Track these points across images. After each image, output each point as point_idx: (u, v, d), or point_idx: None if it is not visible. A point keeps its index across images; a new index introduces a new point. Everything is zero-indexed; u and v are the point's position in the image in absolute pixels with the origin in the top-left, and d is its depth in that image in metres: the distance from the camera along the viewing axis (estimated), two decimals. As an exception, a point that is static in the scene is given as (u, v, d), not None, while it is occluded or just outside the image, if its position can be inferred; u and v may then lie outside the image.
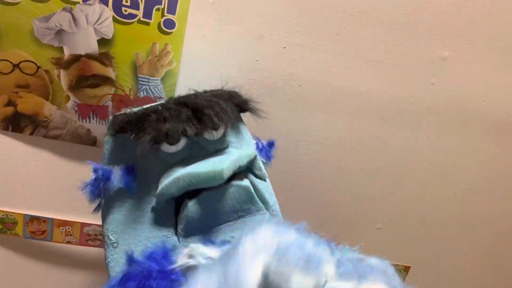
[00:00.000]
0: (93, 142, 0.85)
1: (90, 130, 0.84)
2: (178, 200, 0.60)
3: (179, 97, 0.62)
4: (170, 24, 0.78)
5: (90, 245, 0.91)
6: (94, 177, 0.61)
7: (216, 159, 0.60)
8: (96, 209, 0.65)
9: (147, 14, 0.77)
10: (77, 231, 0.90)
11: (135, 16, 0.76)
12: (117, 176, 0.60)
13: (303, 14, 0.83)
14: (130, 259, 0.56)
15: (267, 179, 0.69)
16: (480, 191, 1.08)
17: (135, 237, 0.59)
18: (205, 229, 0.58)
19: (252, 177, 0.65)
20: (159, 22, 0.78)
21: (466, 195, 1.09)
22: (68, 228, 0.89)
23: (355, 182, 1.00)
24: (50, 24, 0.75)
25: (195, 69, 0.83)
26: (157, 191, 0.59)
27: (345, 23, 0.85)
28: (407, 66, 0.91)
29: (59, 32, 0.76)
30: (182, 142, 0.60)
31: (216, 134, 0.62)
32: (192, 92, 0.66)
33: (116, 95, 0.82)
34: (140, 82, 0.81)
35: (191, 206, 0.58)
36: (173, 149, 0.60)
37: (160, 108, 0.59)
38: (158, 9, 0.77)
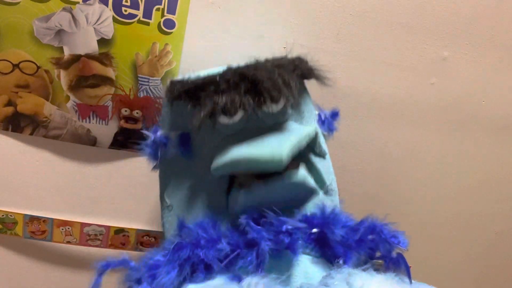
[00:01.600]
0: (93, 142, 0.85)
1: (90, 130, 0.84)
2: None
3: (238, 68, 0.57)
4: (170, 24, 0.78)
5: (90, 245, 0.91)
6: (152, 138, 0.62)
7: (275, 140, 0.55)
8: (154, 168, 0.67)
9: (147, 14, 0.77)
10: (77, 231, 0.90)
11: (135, 16, 0.76)
12: (173, 143, 0.60)
13: (303, 14, 0.83)
14: (181, 225, 0.57)
15: (327, 156, 0.65)
16: (480, 191, 1.08)
17: (187, 204, 0.60)
18: (253, 215, 0.56)
19: (311, 156, 0.61)
20: (159, 22, 0.78)
21: (465, 195, 1.09)
22: (68, 228, 0.89)
23: (355, 182, 1.00)
24: (50, 24, 0.75)
25: (195, 69, 0.83)
26: (212, 167, 0.57)
27: (345, 23, 0.85)
28: (407, 66, 0.91)
29: (59, 32, 0.76)
30: (240, 114, 0.56)
31: (276, 108, 0.57)
32: (252, 61, 0.60)
33: (116, 95, 0.82)
34: (140, 82, 0.81)
35: (241, 197, 0.56)
36: (230, 121, 0.57)
37: (218, 79, 0.56)
38: (158, 9, 0.77)
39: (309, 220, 0.55)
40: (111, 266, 0.58)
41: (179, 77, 0.60)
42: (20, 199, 0.87)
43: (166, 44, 0.79)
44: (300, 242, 0.53)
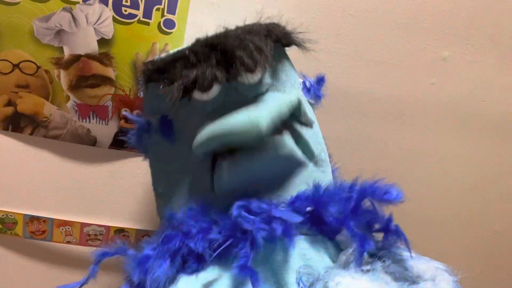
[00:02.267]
0: (93, 142, 0.85)
1: (90, 130, 0.84)
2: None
3: (207, 38, 0.54)
4: (170, 24, 0.78)
5: (90, 245, 0.91)
6: (137, 126, 0.61)
7: (252, 109, 0.52)
8: (144, 157, 0.66)
9: (147, 14, 0.77)
10: (77, 231, 0.90)
11: (135, 16, 0.76)
12: (155, 127, 0.58)
13: (303, 14, 0.83)
14: (170, 215, 0.55)
15: (315, 124, 0.61)
16: (479, 190, 1.08)
17: (174, 189, 0.58)
18: (240, 191, 0.53)
19: (296, 126, 0.57)
20: (159, 22, 0.78)
21: (465, 195, 1.09)
22: (68, 228, 0.89)
23: (355, 182, 1.00)
24: (50, 24, 0.75)
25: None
26: (193, 146, 0.53)
27: (345, 23, 0.85)
28: (407, 66, 0.91)
29: (59, 32, 0.76)
30: (215, 89, 0.53)
31: (252, 77, 0.54)
32: (222, 30, 0.56)
33: (116, 95, 0.82)
34: (140, 82, 0.81)
35: (225, 170, 0.53)
36: (205, 97, 0.53)
37: (187, 52, 0.53)
38: (158, 9, 0.77)
39: (301, 201, 0.52)
40: (108, 254, 0.57)
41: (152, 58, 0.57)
42: (20, 199, 0.87)
43: (166, 44, 0.79)
44: (294, 225, 0.50)
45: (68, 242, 0.90)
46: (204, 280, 0.49)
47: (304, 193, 0.53)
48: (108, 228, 0.90)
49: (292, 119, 0.57)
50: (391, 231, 0.53)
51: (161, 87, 0.54)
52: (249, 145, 0.51)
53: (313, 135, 0.59)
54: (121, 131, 0.85)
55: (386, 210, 0.55)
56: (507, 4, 0.90)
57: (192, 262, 0.50)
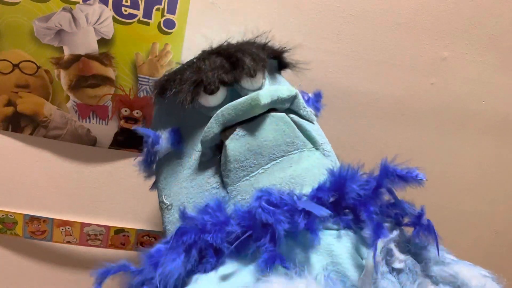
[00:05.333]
0: (93, 142, 0.85)
1: (90, 130, 0.84)
2: (220, 150, 0.57)
3: (211, 49, 0.60)
4: (170, 24, 0.78)
5: (90, 245, 0.91)
6: (145, 148, 0.62)
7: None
8: (153, 187, 0.68)
9: (147, 14, 0.77)
10: (77, 231, 0.90)
11: (135, 16, 0.76)
12: (164, 139, 0.60)
13: (303, 14, 0.83)
14: (183, 215, 0.52)
15: (316, 123, 0.63)
16: (479, 190, 1.09)
17: (187, 195, 0.57)
18: (249, 170, 0.53)
19: (295, 117, 0.58)
20: (159, 22, 0.78)
21: (465, 195, 1.09)
22: (68, 228, 0.89)
23: (355, 182, 1.00)
24: (50, 24, 0.75)
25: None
26: (201, 137, 0.56)
27: (345, 23, 0.85)
28: (407, 66, 0.91)
29: (59, 32, 0.76)
30: (222, 92, 0.57)
31: (255, 82, 0.58)
32: (222, 43, 0.63)
33: (116, 95, 0.82)
34: (140, 82, 0.81)
35: (229, 144, 0.53)
36: (212, 101, 0.57)
37: (194, 61, 0.58)
38: (158, 9, 0.77)
39: (323, 192, 0.50)
40: (110, 272, 0.53)
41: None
42: (20, 199, 0.87)
43: (166, 44, 0.79)
44: (318, 219, 0.47)
45: (68, 242, 0.90)
46: (224, 274, 0.46)
47: (325, 183, 0.51)
48: (108, 228, 0.91)
49: (292, 111, 0.58)
50: (422, 227, 0.50)
51: (171, 93, 0.57)
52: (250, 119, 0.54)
53: (316, 129, 0.60)
54: (121, 131, 0.85)
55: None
56: (507, 4, 0.90)
57: (210, 256, 0.47)
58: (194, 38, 0.81)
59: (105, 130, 0.84)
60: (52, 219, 0.88)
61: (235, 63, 0.56)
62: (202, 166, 0.58)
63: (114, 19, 0.76)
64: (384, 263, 0.44)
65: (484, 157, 1.04)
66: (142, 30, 0.77)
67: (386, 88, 0.92)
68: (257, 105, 0.52)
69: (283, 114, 0.55)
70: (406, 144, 0.99)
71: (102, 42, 0.77)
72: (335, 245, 0.47)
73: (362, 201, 0.49)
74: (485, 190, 1.09)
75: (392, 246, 0.46)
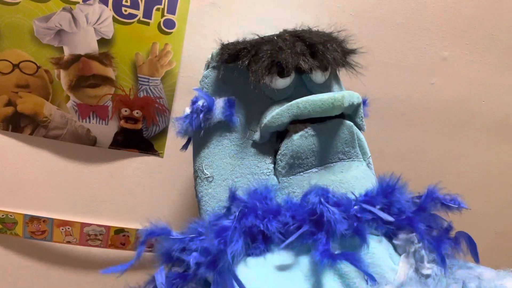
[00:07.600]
0: (93, 142, 0.85)
1: (90, 130, 0.84)
2: (280, 138, 0.57)
3: (294, 31, 0.59)
4: (170, 24, 0.78)
5: (90, 245, 0.91)
6: (189, 110, 0.60)
7: (330, 92, 0.57)
8: (184, 147, 0.65)
9: (147, 14, 0.77)
10: (77, 231, 0.90)
11: (135, 16, 0.77)
12: (219, 108, 0.59)
13: (303, 14, 0.83)
14: (233, 196, 0.54)
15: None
16: (479, 191, 1.08)
17: (232, 173, 0.58)
18: (305, 167, 0.55)
19: (355, 127, 0.60)
20: (159, 22, 0.78)
21: (465, 195, 1.08)
22: (68, 228, 0.89)
23: (355, 182, 1.00)
24: (50, 24, 0.75)
25: (195, 69, 0.83)
26: (266, 121, 0.56)
27: (345, 23, 0.85)
28: (407, 66, 0.91)
29: (59, 32, 0.76)
30: (291, 77, 0.57)
31: (324, 78, 0.60)
32: (305, 27, 0.62)
33: (116, 95, 0.82)
34: (140, 82, 0.81)
35: (297, 140, 0.54)
36: (280, 83, 0.57)
37: (275, 38, 0.57)
38: (158, 9, 0.77)
39: (374, 198, 0.53)
40: (154, 234, 0.55)
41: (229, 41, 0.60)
42: (20, 199, 0.87)
43: (166, 44, 0.79)
44: (367, 224, 0.50)
45: (68, 242, 0.90)
46: (274, 263, 0.48)
47: (373, 191, 0.53)
48: (108, 228, 0.90)
49: (350, 118, 0.60)
50: (458, 239, 0.54)
51: (243, 64, 0.56)
52: (320, 119, 0.54)
53: (365, 140, 0.63)
54: (121, 131, 0.85)
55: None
56: (507, 4, 0.90)
57: (260, 242, 0.50)
58: (194, 38, 0.81)
59: (105, 130, 0.84)
60: (52, 219, 0.88)
61: (316, 53, 0.56)
62: (254, 148, 0.58)
63: (114, 19, 0.76)
64: (414, 269, 0.48)
65: (484, 157, 1.04)
66: (142, 30, 0.77)
67: (386, 88, 0.92)
68: (339, 107, 0.53)
69: (352, 124, 0.57)
70: (406, 144, 0.99)
71: (102, 42, 0.77)
72: (377, 248, 0.50)
73: (407, 220, 0.52)
74: (485, 190, 1.09)
75: (423, 253, 0.50)
